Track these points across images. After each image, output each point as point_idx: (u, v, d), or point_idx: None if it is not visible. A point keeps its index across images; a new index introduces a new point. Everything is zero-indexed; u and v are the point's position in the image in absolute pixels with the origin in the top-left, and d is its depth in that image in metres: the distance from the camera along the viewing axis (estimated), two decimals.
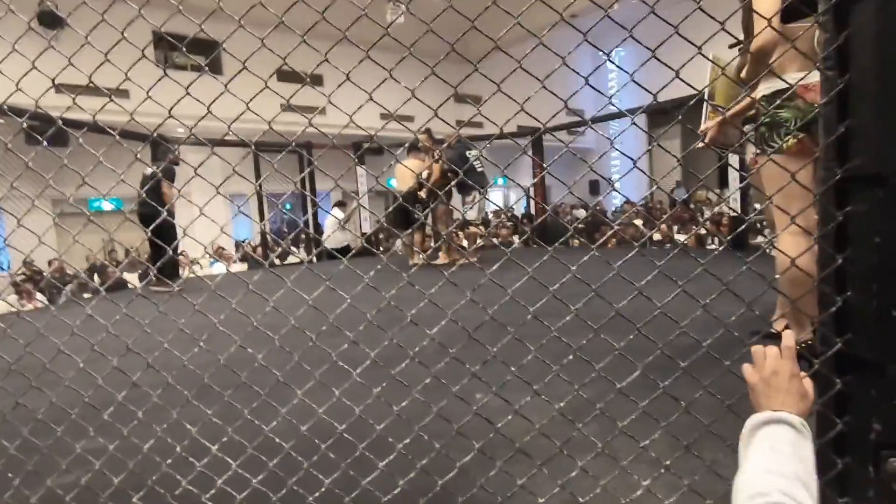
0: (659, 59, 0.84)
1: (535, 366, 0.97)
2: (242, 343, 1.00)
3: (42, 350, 1.10)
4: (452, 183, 4.90)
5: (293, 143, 1.00)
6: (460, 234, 5.45)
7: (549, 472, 0.95)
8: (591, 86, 0.89)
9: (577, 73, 0.92)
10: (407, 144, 5.22)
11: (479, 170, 5.05)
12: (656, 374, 0.94)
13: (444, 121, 0.93)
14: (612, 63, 1.03)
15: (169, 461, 1.07)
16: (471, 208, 5.31)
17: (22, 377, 1.10)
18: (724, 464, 0.98)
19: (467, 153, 5.04)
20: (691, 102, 0.99)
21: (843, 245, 0.84)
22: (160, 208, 1.13)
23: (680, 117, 0.95)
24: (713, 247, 6.73)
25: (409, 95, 0.90)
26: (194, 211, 1.02)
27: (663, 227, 7.28)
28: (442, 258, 5.33)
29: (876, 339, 0.80)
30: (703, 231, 7.20)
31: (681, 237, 7.64)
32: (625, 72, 0.93)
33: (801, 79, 1.59)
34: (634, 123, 1.14)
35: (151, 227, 1.09)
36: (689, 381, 0.94)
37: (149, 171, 4.41)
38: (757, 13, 1.59)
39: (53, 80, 0.94)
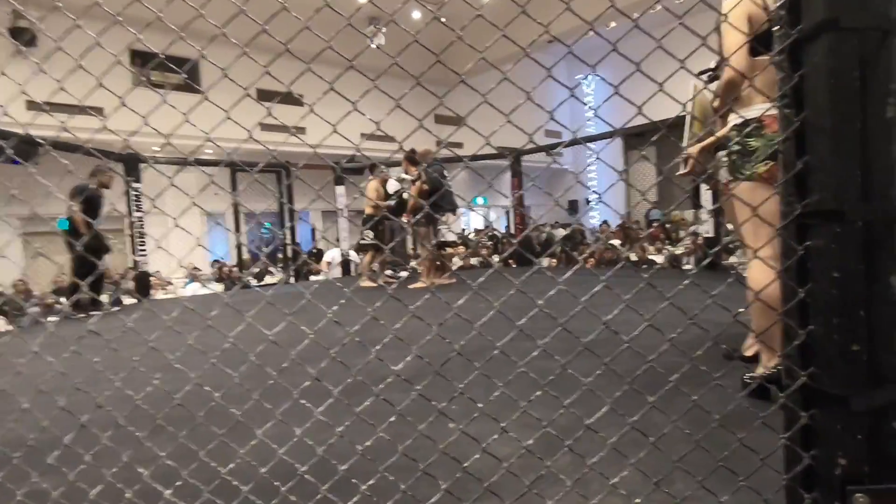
0: (644, 73, 0.85)
1: (503, 401, 0.95)
2: (199, 380, 0.95)
3: None
4: (428, 203, 4.92)
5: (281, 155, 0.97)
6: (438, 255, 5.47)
7: None
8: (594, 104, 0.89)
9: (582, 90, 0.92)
10: (369, 166, 5.31)
11: (450, 190, 5.10)
12: (626, 407, 0.92)
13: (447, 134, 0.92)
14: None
15: None
16: (448, 229, 5.34)
17: None
18: (694, 498, 0.97)
19: (444, 173, 5.07)
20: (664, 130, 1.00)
21: (805, 279, 0.84)
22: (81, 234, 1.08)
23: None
24: (689, 267, 6.84)
25: (388, 116, 0.89)
26: (169, 228, 0.98)
27: (639, 248, 7.39)
28: (421, 283, 5.31)
29: (838, 372, 0.80)
30: (678, 252, 7.32)
31: (657, 257, 7.77)
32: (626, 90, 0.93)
33: (766, 110, 1.63)
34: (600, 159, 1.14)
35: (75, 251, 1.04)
36: (661, 410, 0.93)
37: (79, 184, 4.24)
38: (728, 44, 1.65)
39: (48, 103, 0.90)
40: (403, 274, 5.73)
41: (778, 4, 0.84)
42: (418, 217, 5.09)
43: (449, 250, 5.54)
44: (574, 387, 0.94)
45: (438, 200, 4.97)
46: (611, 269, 0.93)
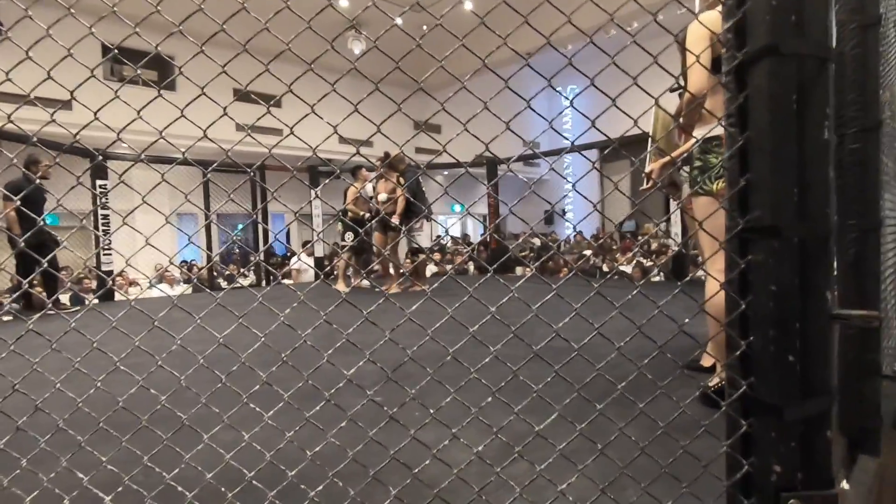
0: (610, 94, 0.87)
1: (456, 407, 0.95)
2: (146, 383, 0.93)
3: None
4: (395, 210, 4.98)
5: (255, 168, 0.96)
6: (409, 261, 5.50)
7: None
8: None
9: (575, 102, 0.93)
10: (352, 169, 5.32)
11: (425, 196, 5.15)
12: (575, 415, 0.94)
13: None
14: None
15: None
16: (420, 234, 5.37)
17: None
18: None
19: (419, 179, 5.09)
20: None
21: (746, 291, 0.88)
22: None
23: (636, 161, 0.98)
24: (658, 278, 7.00)
25: (369, 117, 0.89)
26: (137, 229, 0.96)
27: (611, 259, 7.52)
28: (395, 287, 5.30)
29: (774, 383, 0.84)
30: (647, 263, 7.49)
31: (626, 268, 7.92)
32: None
33: (714, 128, 1.69)
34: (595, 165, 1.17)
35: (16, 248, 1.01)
36: (609, 418, 0.95)
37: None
38: (698, 61, 1.71)
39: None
40: (366, 283, 5.72)
41: (725, 27, 0.88)
42: (398, 222, 5.09)
43: (421, 256, 5.54)
44: (527, 394, 0.96)
45: (414, 207, 4.99)
46: (566, 278, 0.95)
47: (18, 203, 0.96)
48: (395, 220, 5.07)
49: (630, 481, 0.94)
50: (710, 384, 1.80)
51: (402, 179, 5.07)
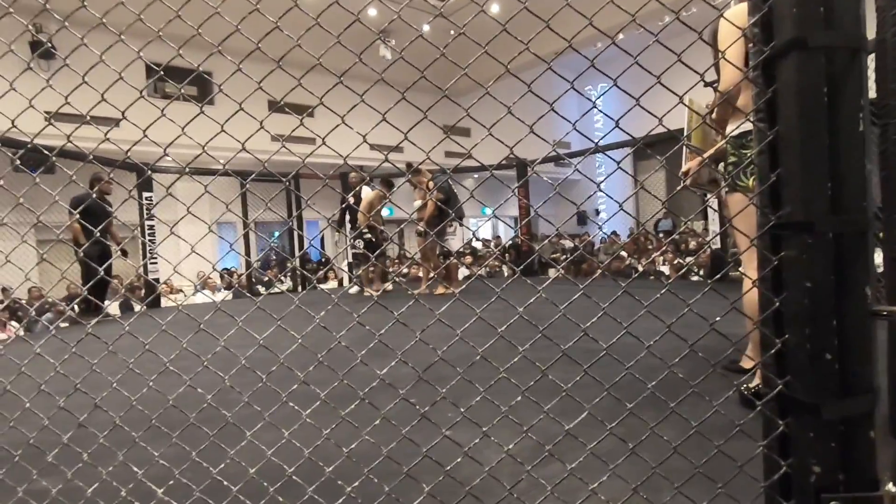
0: (631, 97, 0.88)
1: (487, 406, 0.97)
2: (193, 383, 0.99)
3: None
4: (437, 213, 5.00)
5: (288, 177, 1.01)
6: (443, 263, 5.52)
7: None
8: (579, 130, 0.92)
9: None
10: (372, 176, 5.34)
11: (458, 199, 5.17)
12: (606, 415, 0.94)
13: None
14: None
15: None
16: (453, 238, 5.39)
17: None
18: None
19: (450, 182, 5.13)
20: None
21: (780, 289, 0.86)
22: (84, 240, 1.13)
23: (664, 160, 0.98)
24: (697, 278, 6.80)
25: (398, 124, 0.92)
26: (180, 240, 1.03)
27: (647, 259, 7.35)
28: (441, 289, 5.34)
29: (811, 381, 0.82)
30: (684, 262, 7.28)
31: (665, 269, 7.73)
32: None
33: (742, 124, 1.65)
34: (621, 167, 1.17)
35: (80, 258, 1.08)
36: (640, 418, 0.95)
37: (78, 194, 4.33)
38: (723, 58, 1.68)
39: (49, 114, 0.96)
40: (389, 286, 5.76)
41: (751, 21, 0.87)
42: (436, 226, 5.14)
43: (453, 260, 5.56)
44: (557, 395, 0.96)
45: (448, 209, 5.03)
46: (591, 279, 0.95)
47: (76, 214, 1.04)
48: (421, 226, 5.11)
49: (663, 482, 0.93)
50: (752, 385, 1.75)
51: (430, 185, 5.12)
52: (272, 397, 0.98)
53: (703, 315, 0.90)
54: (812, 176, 0.80)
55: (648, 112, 0.90)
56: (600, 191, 0.90)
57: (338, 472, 1.01)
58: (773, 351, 0.87)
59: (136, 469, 1.02)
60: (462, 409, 0.94)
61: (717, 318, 0.93)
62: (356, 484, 0.97)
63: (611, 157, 0.88)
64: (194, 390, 0.99)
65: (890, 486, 0.85)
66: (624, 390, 0.91)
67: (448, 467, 0.95)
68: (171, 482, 1.01)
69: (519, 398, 0.93)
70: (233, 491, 0.99)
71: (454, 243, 5.43)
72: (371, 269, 5.77)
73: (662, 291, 0.92)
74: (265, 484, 1.00)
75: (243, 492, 1.01)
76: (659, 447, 1.00)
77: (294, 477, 0.98)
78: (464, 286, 5.29)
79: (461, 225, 5.20)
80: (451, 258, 5.37)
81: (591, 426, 0.95)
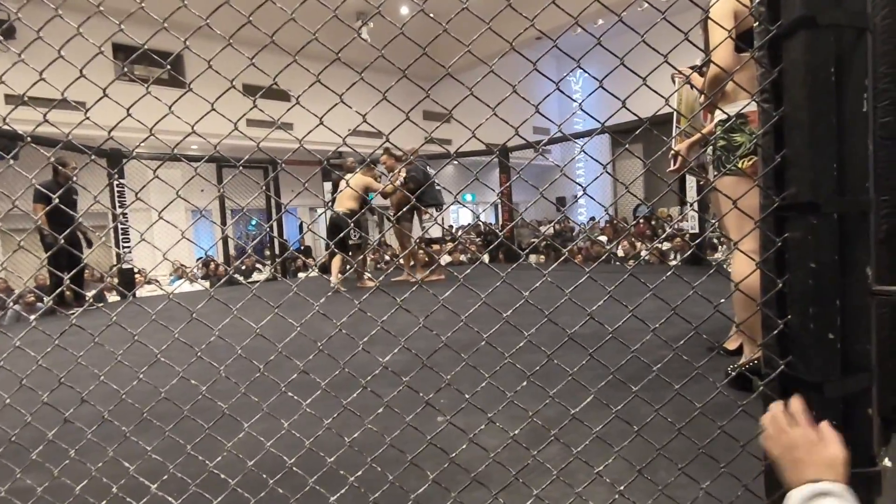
0: (628, 68, 0.86)
1: (490, 391, 0.96)
2: (185, 374, 0.95)
3: None
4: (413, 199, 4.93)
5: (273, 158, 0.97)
6: (422, 251, 5.46)
7: (505, 502, 0.93)
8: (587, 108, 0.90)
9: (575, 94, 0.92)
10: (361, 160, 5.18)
11: (437, 187, 5.10)
12: (610, 396, 0.94)
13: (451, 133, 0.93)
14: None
15: (104, 502, 1.00)
16: (431, 225, 5.32)
17: None
18: (676, 485, 0.99)
19: (427, 169, 5.08)
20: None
21: (783, 270, 0.86)
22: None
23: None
24: (675, 262, 6.94)
25: (377, 110, 0.88)
26: (154, 227, 0.98)
27: (625, 243, 7.46)
28: (406, 277, 5.31)
29: (814, 361, 0.83)
30: (665, 247, 7.41)
31: (645, 253, 7.85)
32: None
33: (746, 105, 1.66)
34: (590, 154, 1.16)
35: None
36: (645, 400, 0.95)
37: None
38: (713, 40, 1.67)
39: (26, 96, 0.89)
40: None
41: (758, 1, 0.86)
42: (402, 212, 5.08)
43: (435, 247, 5.52)
44: (562, 375, 0.96)
45: (421, 195, 4.99)
46: (596, 264, 0.95)
47: (56, 202, 0.98)
48: (390, 211, 5.03)
49: (666, 462, 0.94)
50: (737, 365, 1.79)
51: (403, 172, 5.05)
52: (270, 387, 0.95)
53: (705, 296, 0.90)
54: (820, 157, 0.80)
55: (617, 100, 0.88)
56: (565, 175, 0.88)
57: (340, 461, 0.99)
58: (775, 332, 0.87)
59: (126, 464, 0.99)
60: (466, 395, 0.93)
61: (722, 300, 0.93)
62: (359, 473, 0.95)
63: (577, 143, 0.87)
64: (187, 381, 0.95)
65: (886, 461, 0.87)
66: (622, 373, 0.91)
67: (453, 454, 0.94)
68: (165, 477, 0.97)
69: (524, 383, 0.92)
70: (230, 484, 0.96)
71: (433, 230, 5.37)
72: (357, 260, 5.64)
73: (668, 274, 0.91)
74: (264, 476, 0.98)
75: (241, 484, 0.98)
76: (660, 429, 1.01)
77: (294, 468, 0.96)
78: (442, 276, 5.28)
79: (437, 211, 5.14)
80: (433, 245, 5.35)
81: (593, 409, 0.95)
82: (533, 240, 10.51)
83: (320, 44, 0.89)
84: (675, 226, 8.79)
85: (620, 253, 7.69)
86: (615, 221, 10.15)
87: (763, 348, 0.91)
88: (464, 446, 0.93)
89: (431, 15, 0.90)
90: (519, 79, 0.89)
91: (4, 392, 0.97)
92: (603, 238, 9.00)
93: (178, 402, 0.96)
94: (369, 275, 5.73)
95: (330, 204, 5.91)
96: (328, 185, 7.72)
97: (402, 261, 5.67)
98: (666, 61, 0.88)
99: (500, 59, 0.91)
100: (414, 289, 0.97)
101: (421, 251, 5.41)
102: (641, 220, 9.69)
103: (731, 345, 2.17)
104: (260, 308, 0.96)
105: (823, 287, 0.81)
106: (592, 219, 12.10)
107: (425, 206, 5.09)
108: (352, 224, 0.99)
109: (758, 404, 0.90)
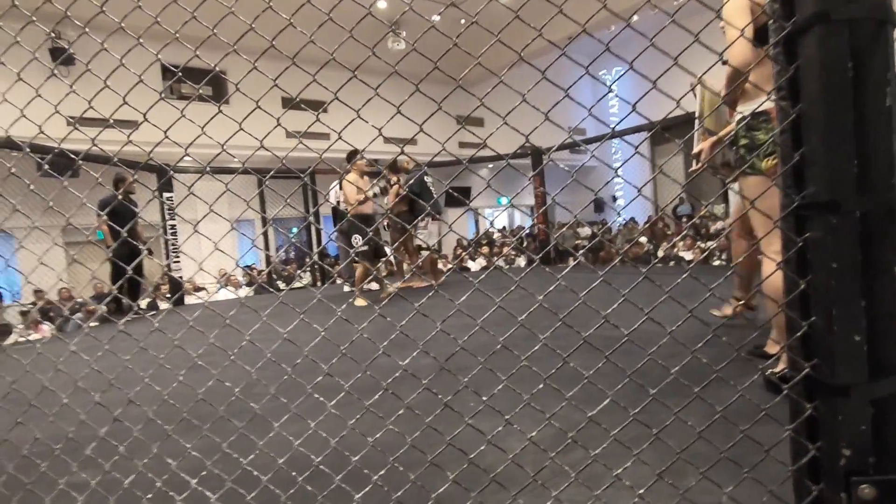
0: (681, 66, 0.86)
1: (508, 394, 0.98)
2: (220, 377, 1.01)
3: (30, 384, 1.12)
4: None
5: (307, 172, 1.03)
6: (419, 257, 5.49)
7: (524, 503, 0.95)
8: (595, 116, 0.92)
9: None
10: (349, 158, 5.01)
11: (434, 195, 5.13)
12: (629, 401, 0.94)
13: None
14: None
15: (149, 496, 1.08)
16: (428, 233, 5.33)
17: (8, 413, 1.12)
18: (699, 490, 0.98)
19: (425, 178, 5.12)
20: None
21: (805, 270, 0.84)
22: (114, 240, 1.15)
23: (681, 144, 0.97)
24: (718, 263, 6.69)
25: (411, 115, 0.92)
26: (201, 237, 1.05)
27: (666, 244, 7.24)
28: (418, 282, 5.35)
29: (839, 363, 0.80)
30: (709, 245, 7.16)
31: (686, 255, 7.62)
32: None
33: (763, 102, 1.61)
34: (638, 152, 1.16)
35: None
36: (662, 404, 0.94)
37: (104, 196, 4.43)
38: (728, 38, 1.63)
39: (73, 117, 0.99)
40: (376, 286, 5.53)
41: None
42: (397, 221, 5.12)
43: (424, 253, 5.52)
44: (578, 382, 0.97)
45: (417, 206, 5.07)
46: (633, 265, 0.95)
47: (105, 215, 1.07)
48: (387, 221, 5.06)
49: (688, 467, 0.93)
50: (777, 370, 1.72)
51: (401, 180, 5.10)
52: (298, 389, 1.00)
53: (725, 299, 0.89)
54: (837, 154, 0.78)
55: (665, 94, 0.88)
56: (618, 176, 0.89)
57: (364, 461, 1.03)
58: (799, 334, 0.85)
59: (169, 461, 1.06)
60: (484, 398, 0.95)
61: (741, 302, 0.91)
62: (382, 472, 0.99)
63: (628, 143, 0.87)
64: (222, 384, 1.02)
65: None
66: (646, 377, 0.90)
67: (472, 455, 0.96)
68: (204, 473, 1.04)
69: (541, 385, 0.93)
70: (263, 481, 1.02)
71: (430, 239, 5.40)
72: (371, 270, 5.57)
73: (683, 276, 0.91)
74: (293, 473, 1.03)
75: (272, 481, 1.03)
76: (682, 433, 1.00)
77: (321, 466, 1.00)
78: (442, 279, 5.28)
79: (434, 220, 5.18)
80: (426, 252, 5.38)
81: (613, 413, 0.95)
82: (577, 241, 10.35)
83: (341, 64, 0.93)
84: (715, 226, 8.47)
85: (661, 254, 7.48)
86: (662, 222, 9.87)
87: (788, 351, 0.89)
88: (483, 448, 0.95)
89: (463, 22, 0.93)
90: (551, 79, 0.91)
91: (62, 393, 1.07)
92: (643, 239, 8.78)
93: (215, 403, 1.03)
94: (388, 281, 5.76)
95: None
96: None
97: (410, 266, 5.69)
98: (719, 58, 0.88)
99: (537, 60, 0.92)
100: (431, 293, 1.00)
101: (435, 255, 5.44)
102: (684, 221, 9.39)
103: (772, 348, 2.08)
104: (288, 312, 1.02)
105: (846, 288, 0.79)
106: (632, 219, 11.82)
107: (417, 215, 5.14)
108: (369, 232, 1.03)
109: (783, 409, 0.88)
